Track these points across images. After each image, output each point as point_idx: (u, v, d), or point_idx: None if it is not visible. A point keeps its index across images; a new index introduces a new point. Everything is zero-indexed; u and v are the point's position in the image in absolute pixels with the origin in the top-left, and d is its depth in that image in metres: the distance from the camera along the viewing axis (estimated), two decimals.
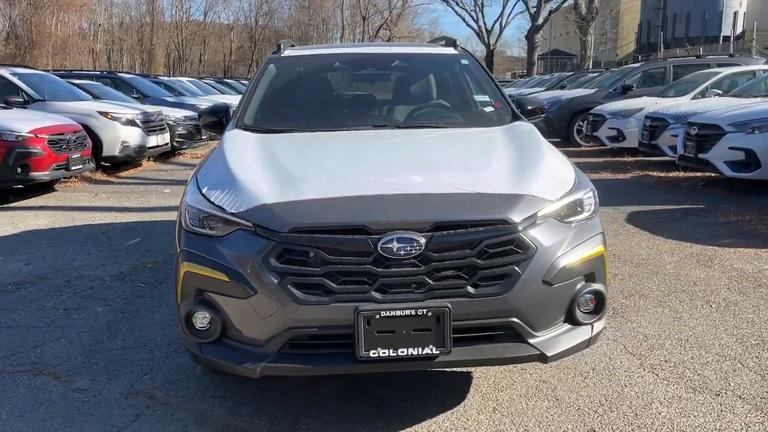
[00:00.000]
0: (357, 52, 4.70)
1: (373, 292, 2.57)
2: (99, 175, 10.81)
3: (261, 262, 2.58)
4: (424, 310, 2.57)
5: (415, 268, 2.59)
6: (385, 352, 2.58)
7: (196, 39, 75.99)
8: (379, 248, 2.55)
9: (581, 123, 14.33)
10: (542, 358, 2.73)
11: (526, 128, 3.66)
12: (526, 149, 3.26)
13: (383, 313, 2.55)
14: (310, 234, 2.58)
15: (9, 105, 10.16)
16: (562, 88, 20.39)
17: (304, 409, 3.08)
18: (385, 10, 70.71)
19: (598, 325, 2.92)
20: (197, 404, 3.15)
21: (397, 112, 4.12)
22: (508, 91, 26.44)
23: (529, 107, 4.23)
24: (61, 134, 8.88)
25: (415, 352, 2.60)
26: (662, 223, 6.76)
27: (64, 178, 9.60)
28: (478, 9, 53.52)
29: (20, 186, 8.85)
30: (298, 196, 2.74)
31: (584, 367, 3.45)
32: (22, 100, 10.57)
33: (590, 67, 30.91)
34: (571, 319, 2.84)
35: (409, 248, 2.55)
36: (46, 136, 8.58)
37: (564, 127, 14.81)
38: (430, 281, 2.60)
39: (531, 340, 2.72)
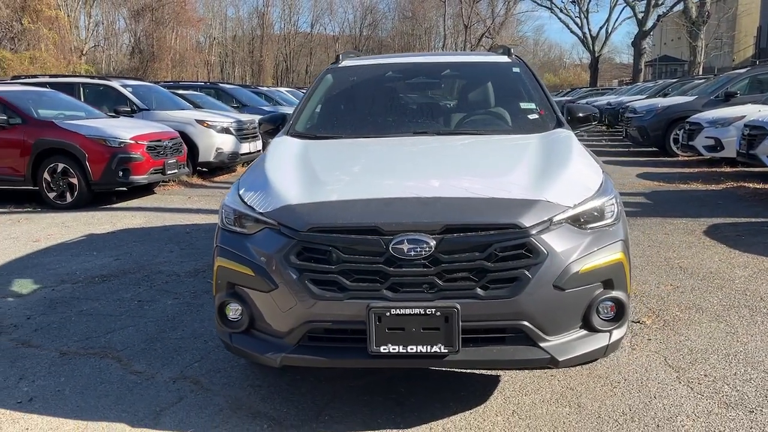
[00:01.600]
0: (410, 62, 4.83)
1: (384, 291, 2.70)
2: (195, 180, 11.49)
3: (282, 258, 2.77)
4: (433, 310, 2.66)
5: (425, 269, 2.69)
6: (395, 349, 2.70)
7: (303, 50, 78.44)
8: (390, 249, 2.67)
9: (678, 132, 13.75)
10: (553, 362, 2.76)
11: (563, 135, 3.66)
12: (554, 155, 3.29)
13: (394, 311, 2.67)
14: (327, 233, 2.74)
15: (118, 114, 11.02)
16: (665, 95, 19.59)
17: (330, 401, 3.24)
18: (488, 19, 70.31)
19: (617, 333, 2.91)
20: (235, 391, 3.37)
21: (441, 120, 4.21)
22: (607, 99, 25.65)
23: (580, 114, 4.22)
24: (159, 141, 9.54)
25: (424, 350, 2.70)
26: (743, 237, 6.46)
27: (161, 181, 10.28)
28: (582, 15, 52.30)
29: (123, 188, 9.57)
30: (319, 197, 2.91)
31: (616, 377, 3.41)
32: (129, 109, 11.40)
33: (700, 73, 29.47)
34: (588, 326, 2.85)
35: (419, 249, 2.66)
36: (145, 143, 9.24)
37: (660, 136, 14.27)
38: (440, 282, 2.69)
39: (542, 344, 2.75)
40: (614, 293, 2.87)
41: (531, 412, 3.09)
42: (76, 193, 8.99)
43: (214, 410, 3.19)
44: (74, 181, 8.98)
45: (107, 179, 8.95)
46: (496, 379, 3.40)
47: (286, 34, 76.63)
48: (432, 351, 2.70)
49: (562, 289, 2.72)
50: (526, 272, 2.68)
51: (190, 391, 3.39)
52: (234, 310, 2.98)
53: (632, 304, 4.50)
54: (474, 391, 3.29)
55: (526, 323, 2.72)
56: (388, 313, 2.67)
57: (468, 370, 3.40)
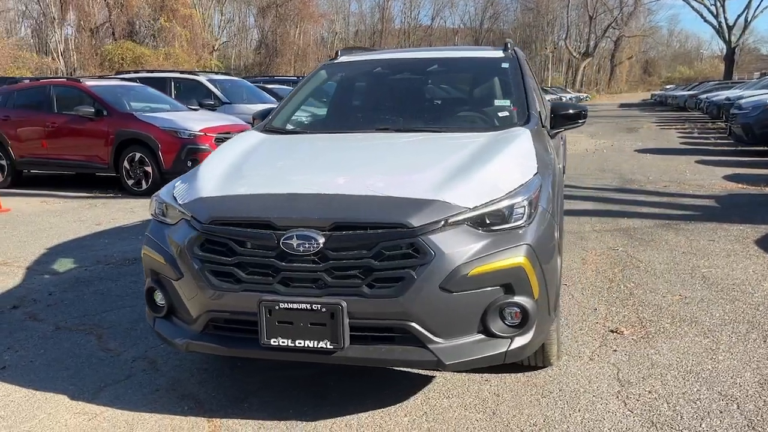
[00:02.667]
0: (400, 57, 4.81)
1: (276, 285, 2.76)
2: None
3: (187, 248, 2.90)
4: (319, 306, 2.70)
5: (314, 265, 2.72)
6: (284, 342, 2.76)
7: (423, 44, 78.62)
8: (281, 243, 2.73)
9: None
10: (440, 365, 2.71)
11: (515, 133, 3.53)
12: (485, 155, 3.19)
13: (283, 305, 2.72)
14: (226, 226, 2.84)
15: (202, 107, 11.65)
16: None
17: (257, 389, 3.34)
18: (615, 9, 67.31)
19: (521, 340, 2.81)
20: (180, 374, 3.55)
21: (408, 116, 4.16)
22: (728, 93, 23.85)
23: (562, 112, 4.05)
24: (228, 133, 9.97)
25: (312, 345, 2.74)
26: None
27: None
28: (718, 3, 48.98)
29: None
30: (227, 191, 3.01)
31: (553, 386, 3.28)
32: (213, 102, 12.02)
33: None
34: (486, 330, 2.77)
35: (307, 245, 2.70)
36: (214, 135, 9.72)
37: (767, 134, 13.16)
38: (328, 278, 2.72)
39: (431, 346, 2.71)
40: (516, 299, 2.77)
41: (441, 415, 3.04)
42: (150, 180, 9.62)
43: (150, 389, 3.38)
44: (149, 169, 9.62)
45: (177, 168, 9.48)
46: (427, 380, 3.36)
47: (406, 28, 77.21)
48: (319, 346, 2.74)
49: (449, 291, 2.67)
50: (412, 272, 2.65)
51: (141, 370, 3.61)
52: (159, 297, 3.14)
53: (625, 312, 4.28)
54: (398, 390, 3.28)
55: (413, 324, 2.69)
56: (277, 307, 2.73)
57: (406, 369, 3.39)
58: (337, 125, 4.14)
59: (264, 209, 2.84)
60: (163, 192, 3.31)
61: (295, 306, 2.72)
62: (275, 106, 4.58)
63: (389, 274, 2.67)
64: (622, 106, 48.42)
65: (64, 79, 11.71)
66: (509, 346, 2.79)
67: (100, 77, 13.27)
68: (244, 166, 3.33)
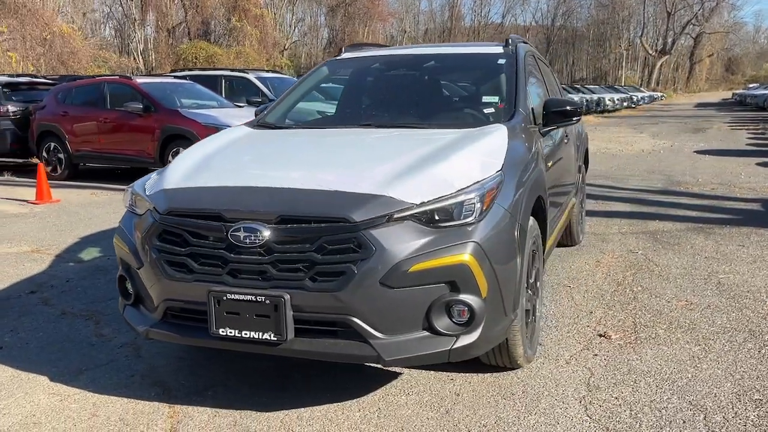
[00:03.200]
0: (399, 54, 4.78)
1: (225, 276, 2.81)
2: None
3: (147, 238, 2.98)
4: (263, 298, 2.73)
5: (260, 257, 2.76)
6: (232, 332, 2.81)
7: (494, 42, 77.78)
8: (229, 235, 2.77)
9: None
10: (380, 360, 2.70)
11: (488, 130, 3.45)
12: (449, 151, 3.14)
13: (230, 296, 2.78)
14: (180, 217, 2.91)
15: (250, 104, 11.91)
16: None
17: (224, 379, 3.41)
18: (696, 4, 64.74)
19: (466, 339, 2.77)
20: (159, 361, 3.66)
21: (394, 112, 4.14)
22: None
23: (553, 109, 3.95)
24: None
25: (257, 336, 2.78)
26: None
27: None
28: None
29: None
30: (188, 183, 3.08)
31: (518, 388, 3.21)
32: (260, 100, 12.26)
33: None
34: (431, 327, 2.74)
35: (253, 238, 2.74)
36: None
37: None
38: (273, 271, 2.75)
39: (372, 341, 2.71)
40: (461, 296, 2.73)
41: (394, 412, 3.03)
42: None
43: (126, 375, 3.50)
44: None
45: None
46: (392, 377, 3.35)
47: (476, 26, 76.55)
48: (263, 338, 2.77)
49: (390, 286, 2.65)
50: (353, 267, 2.65)
51: (124, 356, 3.74)
52: (128, 285, 3.25)
53: (621, 316, 4.14)
54: (360, 386, 3.28)
55: (354, 319, 2.69)
56: (225, 298, 2.78)
57: (375, 366, 3.38)
58: (327, 120, 4.18)
59: (215, 201, 2.90)
60: (137, 183, 3.42)
61: (241, 297, 2.76)
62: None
63: (331, 268, 2.68)
64: (699, 105, 46.58)
65: (117, 77, 12.18)
66: (453, 344, 2.75)
67: (152, 75, 13.74)
68: (214, 159, 3.39)
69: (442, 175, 2.89)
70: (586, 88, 38.60)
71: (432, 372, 3.40)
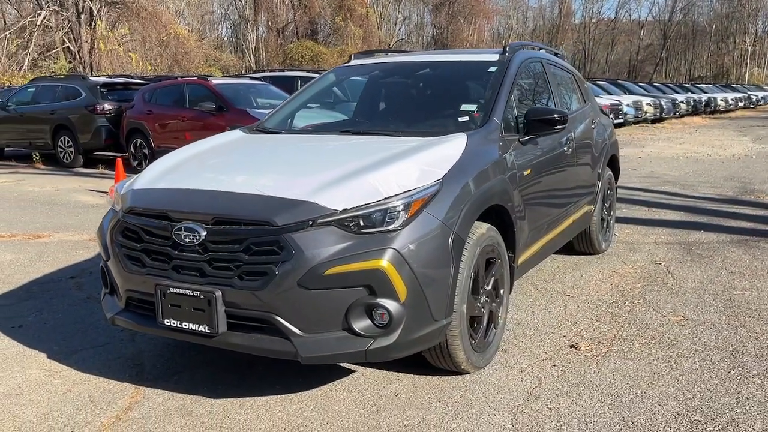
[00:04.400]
0: (397, 61, 4.86)
1: (170, 271, 3.07)
2: None
3: (113, 234, 3.30)
4: (198, 293, 2.97)
5: (198, 255, 3.00)
6: (174, 323, 3.07)
7: (604, 39, 75.27)
8: (173, 234, 3.03)
9: None
10: (297, 357, 2.87)
11: (446, 139, 3.52)
12: (396, 158, 3.25)
13: (173, 290, 3.04)
14: (137, 216, 3.20)
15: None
16: None
17: (195, 367, 3.69)
18: None
19: (383, 341, 2.89)
20: (148, 346, 4.00)
21: (375, 119, 4.25)
22: None
23: (535, 118, 3.96)
24: None
25: (194, 328, 3.03)
26: None
27: None
28: None
29: None
30: (152, 184, 3.37)
31: (456, 392, 3.28)
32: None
33: None
34: (349, 328, 2.88)
35: (192, 237, 2.98)
36: None
37: None
38: (208, 268, 2.98)
39: (293, 338, 2.88)
40: (379, 300, 2.85)
41: (329, 407, 3.18)
42: None
43: (114, 356, 3.85)
44: None
45: None
46: (346, 373, 3.50)
47: (586, 22, 74.28)
48: (199, 330, 3.01)
49: (306, 288, 2.81)
50: (274, 268, 2.83)
51: (119, 340, 4.10)
52: (106, 276, 3.58)
53: (604, 328, 4.09)
54: (313, 381, 3.44)
55: (276, 317, 2.88)
56: (168, 291, 3.05)
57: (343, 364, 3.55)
58: (318, 127, 4.38)
59: (165, 202, 3.16)
60: (121, 182, 3.75)
61: (181, 291, 3.01)
62: None
63: (255, 268, 2.88)
64: None
65: (195, 78, 12.91)
66: (370, 345, 2.88)
67: (230, 76, 14.41)
68: (187, 162, 3.67)
69: (375, 183, 3.01)
70: (696, 87, 36.65)
71: (384, 371, 3.52)
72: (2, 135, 14.80)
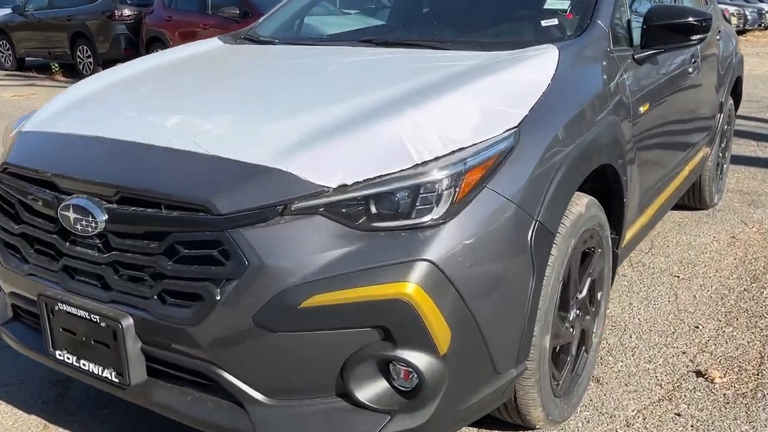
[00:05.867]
0: None
1: (60, 273, 1.86)
2: None
3: None
4: (98, 318, 1.75)
5: (97, 253, 1.77)
6: (69, 358, 1.88)
7: None
8: (59, 214, 1.79)
9: None
10: None
11: (527, 56, 2.13)
12: (432, 90, 1.89)
13: (62, 306, 1.83)
14: (15, 178, 1.96)
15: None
16: None
17: None
18: None
19: (407, 419, 1.64)
20: None
21: (412, 24, 2.88)
22: None
23: (660, 23, 2.52)
24: None
25: (96, 371, 1.83)
26: None
27: None
28: None
29: None
30: (44, 126, 2.11)
31: None
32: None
33: None
34: (348, 396, 1.63)
35: (85, 223, 1.74)
36: None
37: None
38: (112, 276, 1.75)
39: (249, 407, 1.65)
40: (399, 352, 1.58)
41: None
42: None
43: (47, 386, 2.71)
44: None
45: None
46: None
47: None
48: (103, 376, 1.81)
49: (270, 329, 1.56)
50: (213, 289, 1.58)
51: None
52: None
53: (742, 338, 2.79)
54: None
55: (220, 371, 1.65)
56: (57, 308, 1.84)
57: None
58: (329, 35, 3.02)
59: (49, 159, 1.91)
60: (28, 114, 2.49)
61: (74, 311, 1.80)
62: None
63: (184, 286, 1.63)
64: None
65: None
66: (384, 426, 1.63)
67: None
68: (116, 88, 2.38)
69: (400, 135, 1.68)
70: None
71: None
72: (21, 44, 13.68)
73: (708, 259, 3.65)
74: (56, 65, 13.10)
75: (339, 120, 1.75)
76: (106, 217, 1.71)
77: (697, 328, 2.91)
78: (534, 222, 1.76)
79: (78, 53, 12.42)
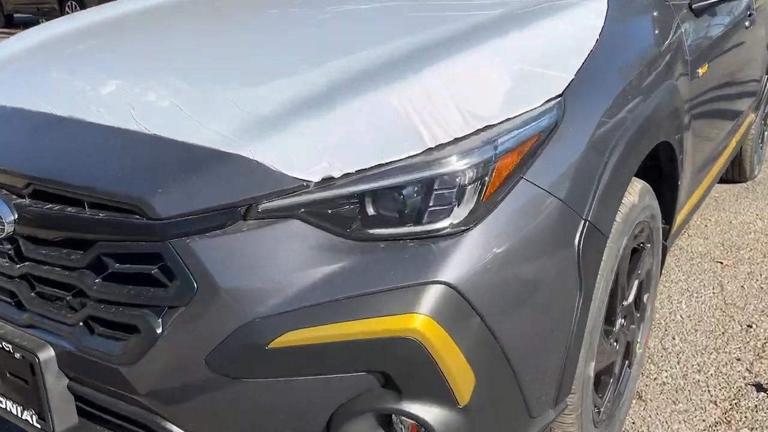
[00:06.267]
0: None
1: None
2: None
3: None
4: (11, 347, 1.34)
5: (8, 263, 1.35)
6: None
7: None
8: None
9: None
10: None
11: (567, 5, 1.67)
12: (451, 46, 1.44)
13: None
14: None
15: None
16: None
17: None
18: None
19: None
20: None
21: None
22: None
23: None
24: None
25: (15, 412, 1.42)
26: None
27: None
28: None
29: None
30: None
31: None
32: None
33: None
34: None
35: None
36: None
37: None
38: (27, 294, 1.33)
39: None
40: (405, 405, 1.17)
41: None
42: None
43: None
44: None
45: None
46: None
47: None
48: (24, 418, 1.41)
49: (226, 374, 1.15)
50: (153, 318, 1.16)
51: None
52: None
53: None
54: None
55: (166, 424, 1.24)
56: None
57: None
58: None
59: None
60: None
61: None
62: None
63: (116, 313, 1.21)
64: None
65: None
66: None
67: None
68: (54, 42, 1.92)
69: (406, 109, 1.24)
70: None
71: None
72: None
73: (753, 240, 3.22)
74: (45, 21, 12.57)
75: (324, 88, 1.30)
76: (16, 216, 1.28)
77: (750, 327, 2.50)
78: (583, 222, 1.33)
79: (66, 9, 11.89)
